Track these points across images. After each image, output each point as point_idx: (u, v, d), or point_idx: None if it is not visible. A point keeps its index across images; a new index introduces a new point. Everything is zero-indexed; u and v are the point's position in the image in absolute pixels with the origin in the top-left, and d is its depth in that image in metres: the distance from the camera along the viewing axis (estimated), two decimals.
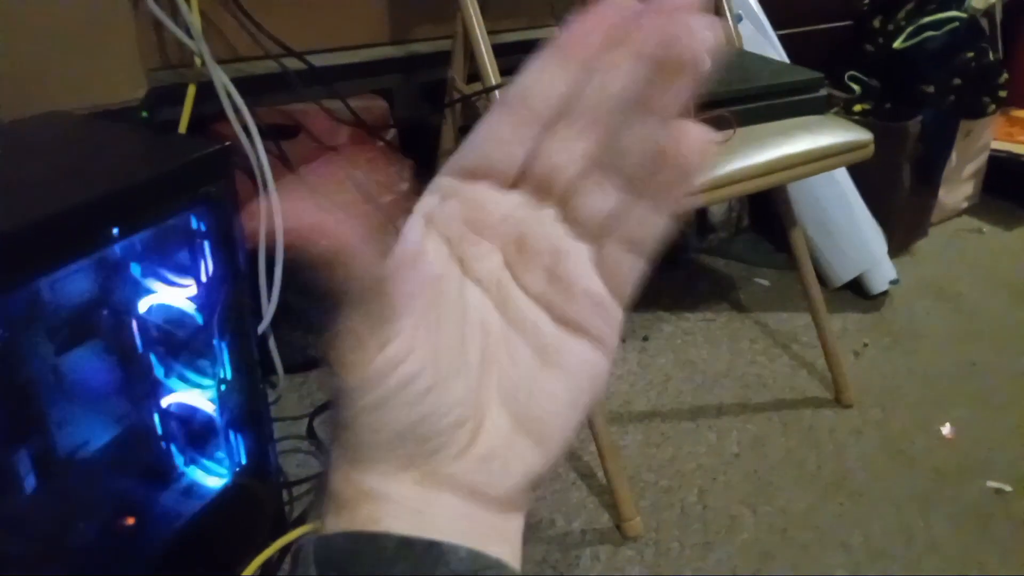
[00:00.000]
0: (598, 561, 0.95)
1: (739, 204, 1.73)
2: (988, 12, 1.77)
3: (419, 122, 1.34)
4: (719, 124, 0.92)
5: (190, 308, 0.84)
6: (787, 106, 0.99)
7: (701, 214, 1.69)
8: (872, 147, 1.03)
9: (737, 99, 0.95)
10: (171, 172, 0.69)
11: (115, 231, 0.66)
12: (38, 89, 0.92)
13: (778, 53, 1.48)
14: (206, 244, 0.79)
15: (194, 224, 0.78)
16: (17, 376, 0.74)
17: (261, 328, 1.06)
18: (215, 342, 0.83)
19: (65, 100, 0.95)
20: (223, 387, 0.86)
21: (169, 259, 0.83)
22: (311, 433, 1.12)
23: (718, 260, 1.69)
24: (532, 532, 0.98)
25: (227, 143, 0.74)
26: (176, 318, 0.86)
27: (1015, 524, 1.03)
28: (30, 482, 0.77)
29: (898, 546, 0.99)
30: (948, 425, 1.21)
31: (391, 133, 1.23)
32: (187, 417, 0.92)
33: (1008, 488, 1.09)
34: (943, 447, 1.17)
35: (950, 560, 0.97)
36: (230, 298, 0.79)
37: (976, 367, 1.37)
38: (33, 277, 0.69)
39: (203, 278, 0.81)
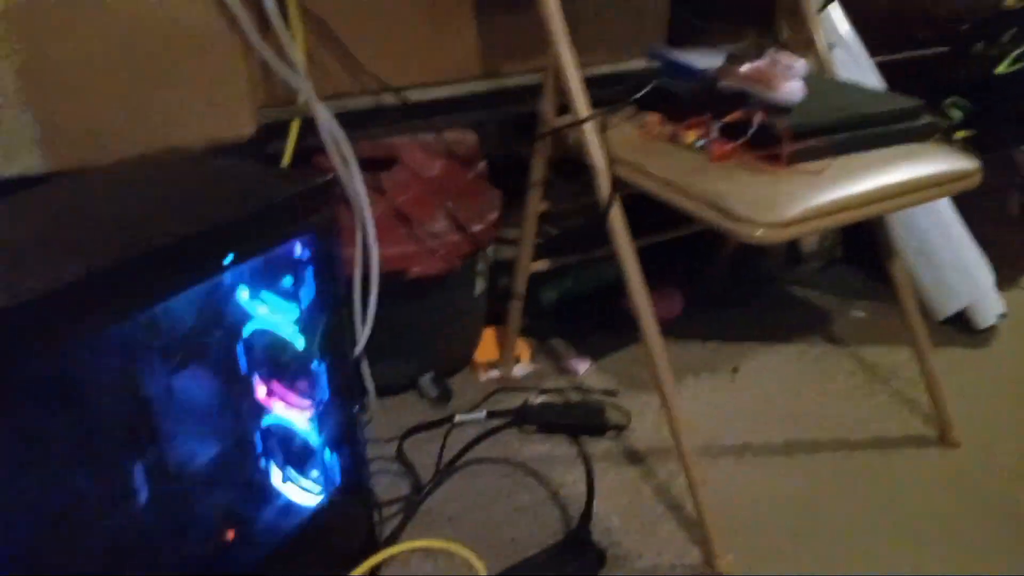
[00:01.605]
0: None
1: (832, 234, 1.68)
2: None
3: (508, 154, 1.36)
4: (816, 154, 0.91)
5: (292, 332, 0.88)
6: (886, 135, 0.97)
7: (792, 244, 1.65)
8: (979, 176, 0.99)
9: (833, 128, 0.93)
10: (280, 203, 0.73)
11: (227, 259, 0.70)
12: (161, 126, 0.99)
13: (874, 80, 1.44)
14: (309, 271, 0.83)
15: (298, 252, 0.82)
16: (136, 394, 0.79)
17: (356, 352, 1.09)
18: (314, 365, 0.87)
19: (182, 137, 1.02)
20: (321, 408, 0.90)
21: (274, 285, 0.87)
22: (400, 455, 1.14)
23: (810, 291, 1.64)
24: (618, 563, 0.97)
25: (330, 175, 0.77)
26: (279, 342, 0.90)
27: None
28: (143, 494, 0.82)
29: None
30: None
31: (481, 164, 1.26)
32: (285, 436, 0.96)
33: None
34: None
35: None
36: (330, 323, 0.83)
37: None
38: (154, 303, 0.73)
39: (305, 303, 0.85)
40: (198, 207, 0.74)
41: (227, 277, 0.87)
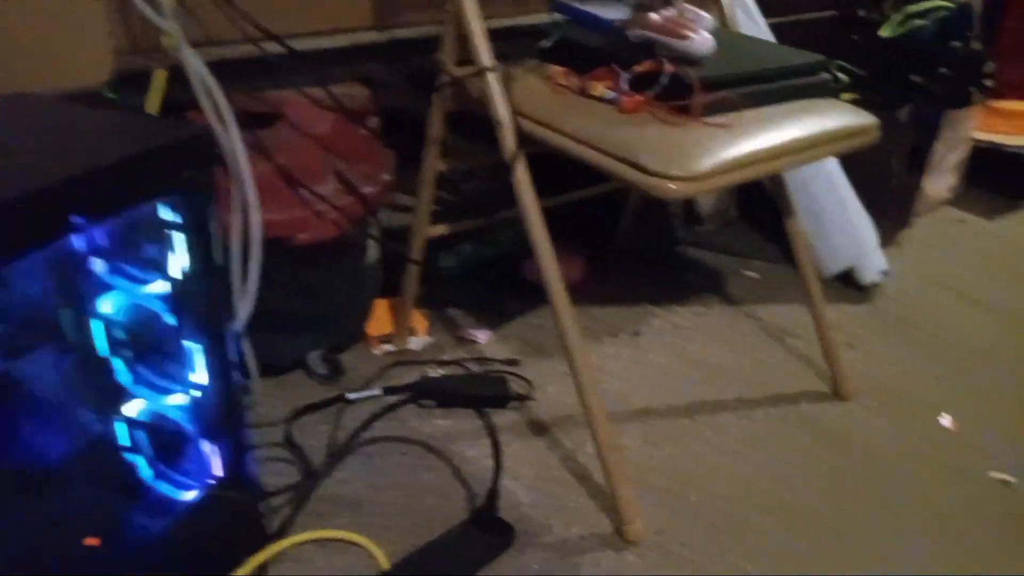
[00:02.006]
0: (599, 567, 0.90)
1: (727, 195, 1.69)
2: (969, 2, 1.75)
3: (403, 110, 1.27)
4: (725, 106, 0.88)
5: (159, 307, 0.77)
6: (793, 89, 0.95)
7: (689, 206, 1.65)
8: (877, 132, 1.00)
9: (743, 81, 0.90)
10: (139, 156, 0.62)
11: (77, 220, 0.59)
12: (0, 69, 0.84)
13: (769, 40, 1.44)
14: (179, 237, 0.72)
15: (164, 215, 0.71)
16: None
17: (236, 329, 0.98)
18: (187, 345, 0.77)
19: (28, 83, 0.88)
20: (195, 394, 0.79)
21: (136, 253, 0.76)
22: (288, 439, 1.05)
23: (707, 253, 1.65)
24: (528, 539, 0.93)
25: (204, 126, 0.67)
26: (143, 319, 0.79)
27: (1022, 516, 1.01)
28: None
29: (906, 538, 0.96)
30: (948, 417, 1.18)
31: (373, 121, 1.16)
32: (156, 427, 0.85)
33: (1013, 480, 1.06)
34: (945, 437, 1.14)
35: (958, 553, 0.94)
36: (204, 297, 0.72)
37: (970, 354, 1.34)
38: None
39: (174, 274, 0.74)
40: (41, 160, 0.62)
41: (77, 243, 0.75)
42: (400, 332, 1.27)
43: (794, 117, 0.91)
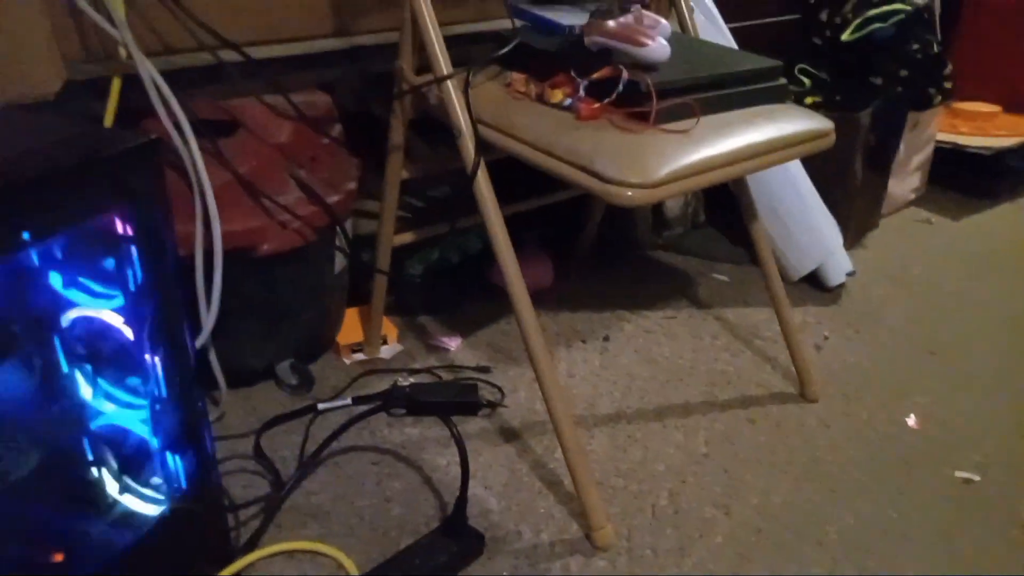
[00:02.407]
0: (568, 573, 0.90)
1: (695, 199, 1.71)
2: (928, 5, 1.79)
3: (366, 117, 1.27)
4: (682, 112, 0.89)
5: (117, 321, 0.76)
6: (750, 94, 0.96)
7: (657, 210, 1.66)
8: (833, 136, 1.01)
9: (699, 87, 0.91)
10: (86, 166, 0.62)
11: (25, 235, 0.59)
12: None
13: (730, 44, 1.46)
14: (133, 249, 0.71)
15: (119, 228, 0.71)
16: None
17: (200, 340, 0.98)
18: (147, 357, 0.76)
19: None
20: (157, 407, 0.79)
21: (93, 267, 0.75)
22: (258, 451, 1.05)
23: (675, 256, 1.66)
24: (497, 545, 0.93)
25: (154, 135, 0.66)
26: (103, 332, 0.78)
27: (986, 513, 1.02)
28: None
29: (873, 539, 0.97)
30: (913, 416, 1.20)
31: (336, 129, 1.16)
32: (119, 440, 0.84)
33: (976, 478, 1.08)
34: (910, 437, 1.16)
35: (925, 550, 0.95)
36: (161, 309, 0.72)
37: (936, 354, 1.36)
38: None
39: (131, 287, 0.74)
40: None
41: (34, 258, 0.74)
42: (370, 341, 1.27)
43: (751, 122, 0.92)
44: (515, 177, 1.10)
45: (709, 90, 0.92)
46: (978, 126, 2.09)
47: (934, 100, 1.74)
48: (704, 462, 1.09)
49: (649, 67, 0.90)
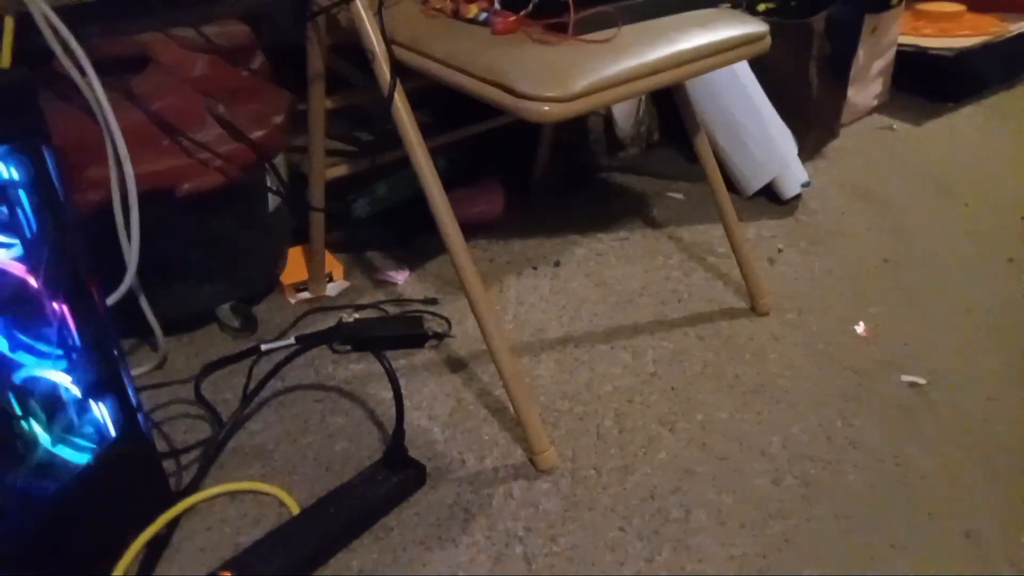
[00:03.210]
0: (512, 498, 0.90)
1: (648, 118, 1.67)
2: None
3: (293, 47, 1.22)
4: (603, 22, 0.85)
5: (19, 270, 0.74)
6: (676, 2, 0.92)
7: (609, 132, 1.62)
8: (768, 40, 0.97)
9: None
10: None
11: None
12: None
13: None
14: (22, 194, 0.68)
15: (5, 173, 0.68)
16: None
17: (124, 285, 0.95)
18: (54, 306, 0.74)
19: None
20: (74, 355, 0.77)
21: None
22: (199, 395, 1.03)
23: (631, 177, 1.63)
24: (441, 474, 0.93)
25: (25, 72, 0.62)
26: (9, 283, 0.76)
27: (931, 415, 1.03)
28: None
29: (819, 446, 0.97)
30: (862, 324, 1.20)
31: (258, 60, 1.11)
32: (45, 392, 0.83)
33: (922, 381, 1.08)
34: (859, 345, 1.16)
35: (870, 455, 0.96)
36: (57, 255, 0.69)
37: (890, 263, 1.36)
38: None
39: (27, 234, 0.71)
40: None
41: None
42: (315, 279, 1.25)
43: (678, 30, 0.88)
44: (459, 105, 1.06)
45: None
46: (942, 27, 2.04)
47: (891, 2, 1.69)
48: (651, 381, 1.08)
49: None
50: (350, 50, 1.07)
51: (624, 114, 1.63)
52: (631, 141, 1.66)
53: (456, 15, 0.88)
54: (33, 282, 0.74)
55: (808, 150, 1.63)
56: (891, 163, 1.72)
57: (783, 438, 0.99)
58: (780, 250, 1.39)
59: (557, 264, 1.34)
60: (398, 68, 0.87)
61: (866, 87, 1.89)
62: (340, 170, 1.12)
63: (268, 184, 1.13)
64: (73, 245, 0.71)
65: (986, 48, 1.96)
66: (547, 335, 1.17)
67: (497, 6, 0.85)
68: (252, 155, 1.04)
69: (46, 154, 0.67)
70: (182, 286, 1.10)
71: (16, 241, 0.72)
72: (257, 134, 1.05)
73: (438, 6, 0.90)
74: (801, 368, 1.11)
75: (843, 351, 1.14)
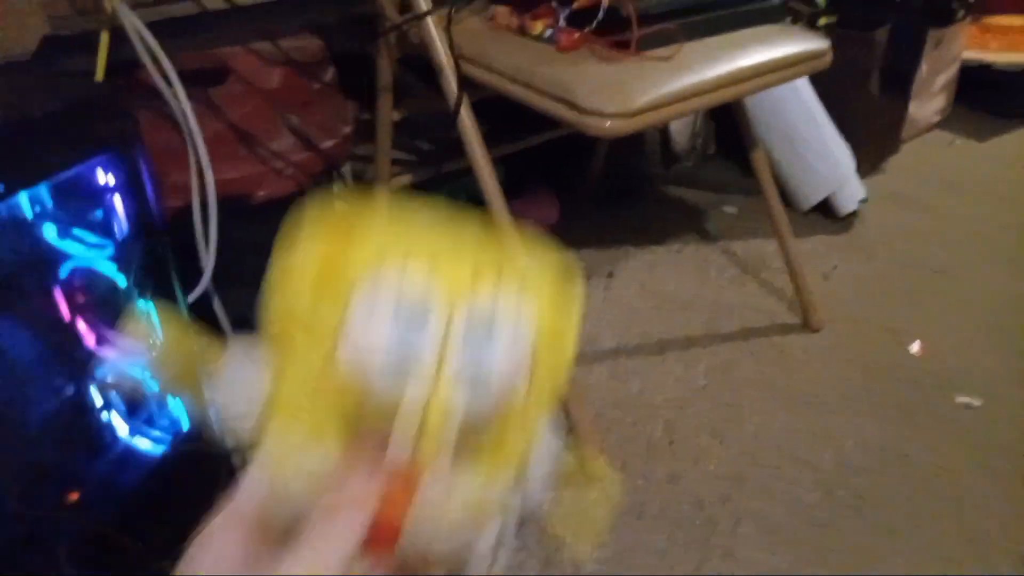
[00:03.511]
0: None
1: (704, 130, 1.68)
2: None
3: (361, 59, 1.26)
4: (665, 39, 0.87)
5: (111, 270, 0.79)
6: (738, 16, 0.93)
7: (665, 144, 1.64)
8: (830, 56, 0.98)
9: (682, 11, 0.89)
10: (56, 117, 0.63)
11: None
12: None
13: None
14: (117, 199, 0.73)
15: (102, 179, 0.73)
16: None
17: (201, 287, 1.01)
18: (140, 304, 0.79)
19: None
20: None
21: (84, 218, 0.78)
22: None
23: (685, 190, 1.64)
24: None
25: (122, 86, 0.67)
26: (100, 282, 0.81)
27: (984, 437, 1.02)
28: None
29: (869, 462, 0.97)
30: (917, 342, 1.19)
31: (329, 72, 1.16)
32: (126, 386, 0.88)
33: (977, 403, 1.07)
34: (912, 363, 1.15)
35: (922, 472, 0.96)
36: (145, 256, 0.74)
37: (947, 279, 1.34)
38: None
39: (120, 237, 0.76)
40: None
41: (26, 212, 0.77)
42: None
43: (738, 46, 0.90)
44: (517, 116, 1.09)
45: (695, 14, 0.90)
46: (1010, 41, 2.00)
47: (956, 15, 1.66)
48: (702, 393, 1.09)
49: None
50: (415, 61, 1.11)
51: (681, 127, 1.64)
52: (686, 154, 1.67)
53: (522, 31, 0.91)
54: (122, 282, 0.79)
55: (867, 165, 1.62)
56: (951, 179, 1.70)
57: (834, 452, 0.99)
58: (835, 266, 1.39)
59: (610, 275, 1.36)
60: (463, 81, 0.90)
61: (928, 102, 1.86)
62: (405, 179, 1.16)
63: (334, 191, 1.18)
64: (161, 247, 0.76)
65: None
66: (600, 345, 1.19)
67: (562, 23, 0.88)
68: (321, 164, 1.08)
69: (141, 161, 0.72)
70: (250, 289, 1.15)
71: (109, 242, 0.77)
72: (327, 143, 1.09)
73: (504, 22, 0.93)
74: (853, 384, 1.11)
75: (896, 368, 1.14)
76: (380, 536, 0.26)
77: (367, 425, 0.26)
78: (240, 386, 0.28)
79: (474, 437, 0.26)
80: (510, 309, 0.26)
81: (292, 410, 0.27)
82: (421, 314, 0.25)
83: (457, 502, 0.27)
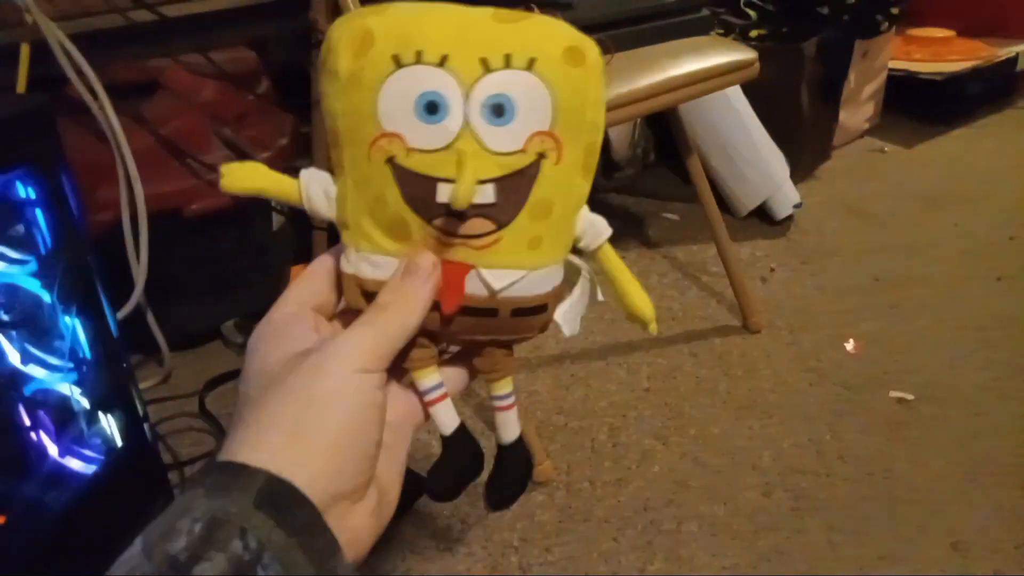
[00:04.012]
0: (507, 509, 0.92)
1: (644, 140, 1.71)
2: None
3: (298, 72, 1.26)
4: None
5: (34, 285, 0.76)
6: (669, 28, 0.96)
7: (605, 153, 1.66)
8: (757, 66, 1.01)
9: (615, 23, 0.91)
10: None
11: None
12: None
13: None
14: (39, 213, 0.71)
15: (21, 192, 0.71)
16: None
17: (132, 301, 0.98)
18: (65, 320, 0.77)
19: None
20: (84, 368, 0.80)
21: (3, 232, 0.75)
22: (203, 409, 1.06)
23: (627, 198, 1.67)
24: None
25: (41, 97, 0.66)
26: (23, 298, 0.79)
27: (919, 430, 1.05)
28: None
29: (808, 460, 1.00)
30: (851, 341, 1.22)
31: (264, 85, 1.15)
32: (54, 404, 0.85)
33: (910, 397, 1.11)
34: (849, 362, 1.18)
35: (859, 468, 0.98)
36: (70, 271, 0.72)
37: (881, 281, 1.38)
38: None
39: (43, 251, 0.74)
40: None
41: None
42: None
43: (668, 57, 0.92)
44: None
45: (626, 25, 0.92)
46: (933, 52, 2.08)
47: (881, 27, 1.73)
48: (645, 397, 1.11)
49: (562, 4, 0.89)
50: None
51: (620, 136, 1.66)
52: (627, 162, 1.69)
53: None
54: (47, 297, 0.77)
55: (800, 172, 1.67)
56: (882, 184, 1.75)
57: (774, 452, 1.01)
58: (772, 269, 1.42)
59: None
60: None
61: (858, 110, 1.93)
62: None
63: (272, 205, 1.16)
64: (86, 262, 0.74)
65: (975, 72, 2.00)
66: (544, 352, 1.20)
67: None
68: None
69: (62, 175, 0.70)
70: (191, 304, 1.13)
71: (31, 257, 0.75)
72: (262, 156, 1.08)
73: None
74: (791, 384, 1.13)
75: (833, 367, 1.17)
76: (448, 295, 0.32)
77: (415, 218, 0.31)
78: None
79: (522, 206, 0.32)
80: (521, 87, 0.30)
81: (358, 229, 0.33)
82: (440, 104, 0.30)
83: (525, 258, 0.32)
